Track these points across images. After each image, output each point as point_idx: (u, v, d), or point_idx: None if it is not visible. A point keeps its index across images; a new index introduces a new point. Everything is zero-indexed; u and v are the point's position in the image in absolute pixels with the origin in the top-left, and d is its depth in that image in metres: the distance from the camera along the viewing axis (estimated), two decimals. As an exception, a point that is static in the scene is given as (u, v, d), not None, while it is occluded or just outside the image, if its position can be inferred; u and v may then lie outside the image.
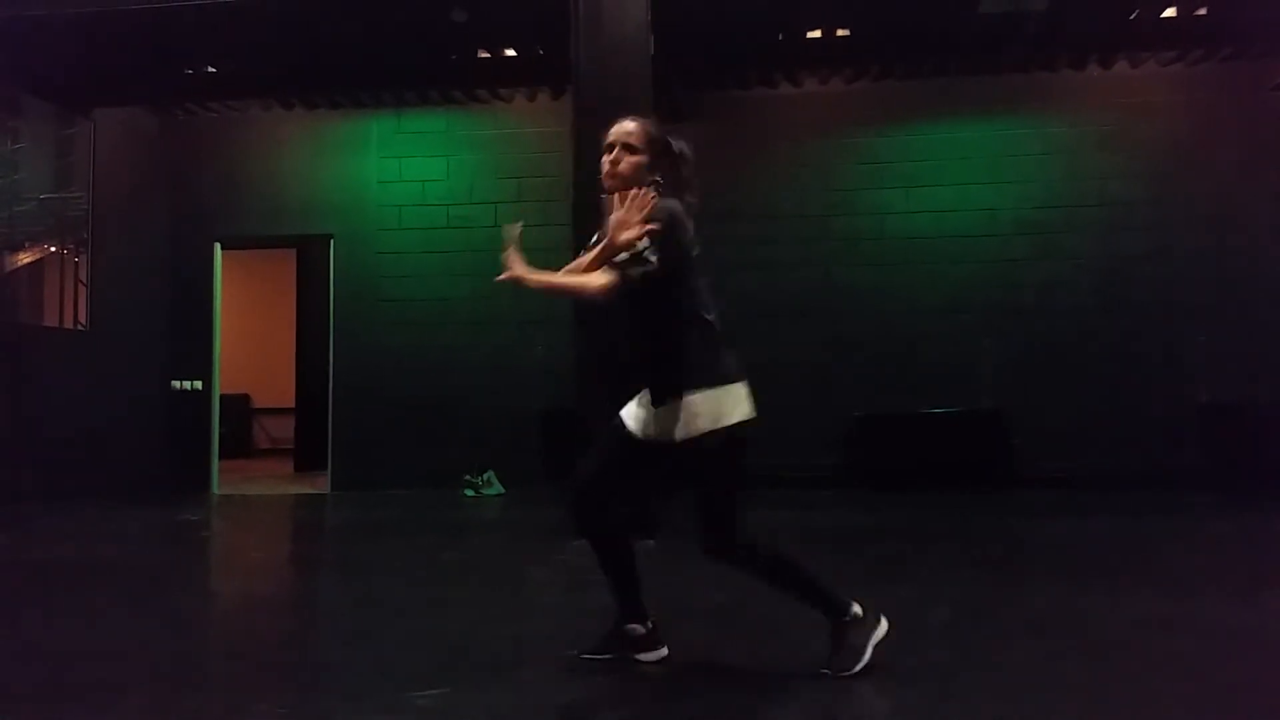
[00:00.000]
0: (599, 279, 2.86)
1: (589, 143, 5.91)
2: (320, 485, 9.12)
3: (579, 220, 5.96)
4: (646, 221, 2.82)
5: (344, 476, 8.93)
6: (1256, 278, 8.16)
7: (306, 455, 10.49)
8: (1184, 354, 8.16)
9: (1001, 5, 6.86)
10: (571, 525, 3.26)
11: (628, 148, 3.06)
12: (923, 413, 8.21)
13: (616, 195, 3.02)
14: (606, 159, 3.09)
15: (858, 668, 2.91)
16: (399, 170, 9.18)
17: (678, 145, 3.15)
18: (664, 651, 3.17)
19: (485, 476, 8.49)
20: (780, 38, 7.97)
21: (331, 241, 9.17)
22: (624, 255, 2.82)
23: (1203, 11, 7.50)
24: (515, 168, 9.01)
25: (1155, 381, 8.17)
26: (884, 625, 3.04)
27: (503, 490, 8.45)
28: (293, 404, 11.16)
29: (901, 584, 4.41)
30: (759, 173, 8.82)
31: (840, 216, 8.70)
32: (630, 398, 3.11)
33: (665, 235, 2.86)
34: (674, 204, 2.97)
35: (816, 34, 7.95)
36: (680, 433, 2.90)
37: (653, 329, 2.99)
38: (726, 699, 2.84)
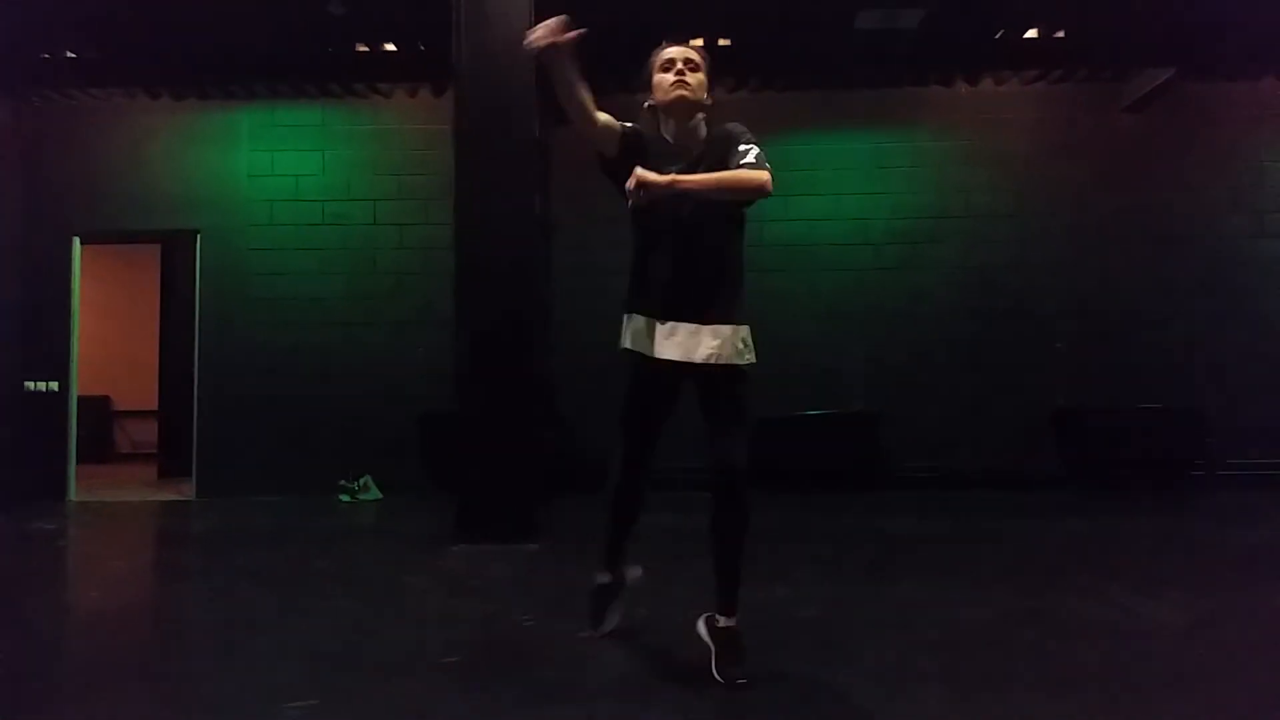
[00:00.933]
0: (760, 175, 2.97)
1: (471, 141, 5.90)
2: (185, 492, 8.75)
3: (461, 219, 5.89)
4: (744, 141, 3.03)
5: (210, 483, 8.58)
6: (1107, 288, 8.65)
7: (170, 460, 10.04)
8: (1041, 360, 8.59)
9: (876, 22, 7.10)
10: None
11: (692, 64, 3.18)
12: (798, 415, 8.41)
13: (667, 111, 3.20)
14: (671, 74, 3.17)
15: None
16: (271, 164, 8.88)
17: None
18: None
19: (361, 482, 8.29)
20: (662, 44, 8.03)
21: (198, 237, 8.80)
22: (756, 155, 3.00)
23: (1061, 34, 7.93)
24: (394, 165, 8.84)
25: (1015, 386, 8.57)
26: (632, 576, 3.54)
27: (380, 496, 8.27)
28: (156, 406, 10.69)
29: (775, 583, 4.51)
30: (642, 177, 8.87)
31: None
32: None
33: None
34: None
35: (699, 42, 8.04)
36: (727, 354, 3.07)
37: (723, 256, 3.16)
38: (606, 700, 2.84)
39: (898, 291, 8.72)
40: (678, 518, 6.87)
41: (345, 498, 8.18)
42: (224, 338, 8.69)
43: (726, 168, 3.01)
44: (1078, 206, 8.74)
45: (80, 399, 8.94)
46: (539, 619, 3.89)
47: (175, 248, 10.18)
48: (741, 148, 3.03)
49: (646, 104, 3.30)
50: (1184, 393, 8.28)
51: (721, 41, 8.03)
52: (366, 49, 8.10)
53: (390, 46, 8.05)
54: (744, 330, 3.12)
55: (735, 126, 3.14)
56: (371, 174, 8.85)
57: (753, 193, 3.01)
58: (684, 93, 3.14)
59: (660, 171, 3.00)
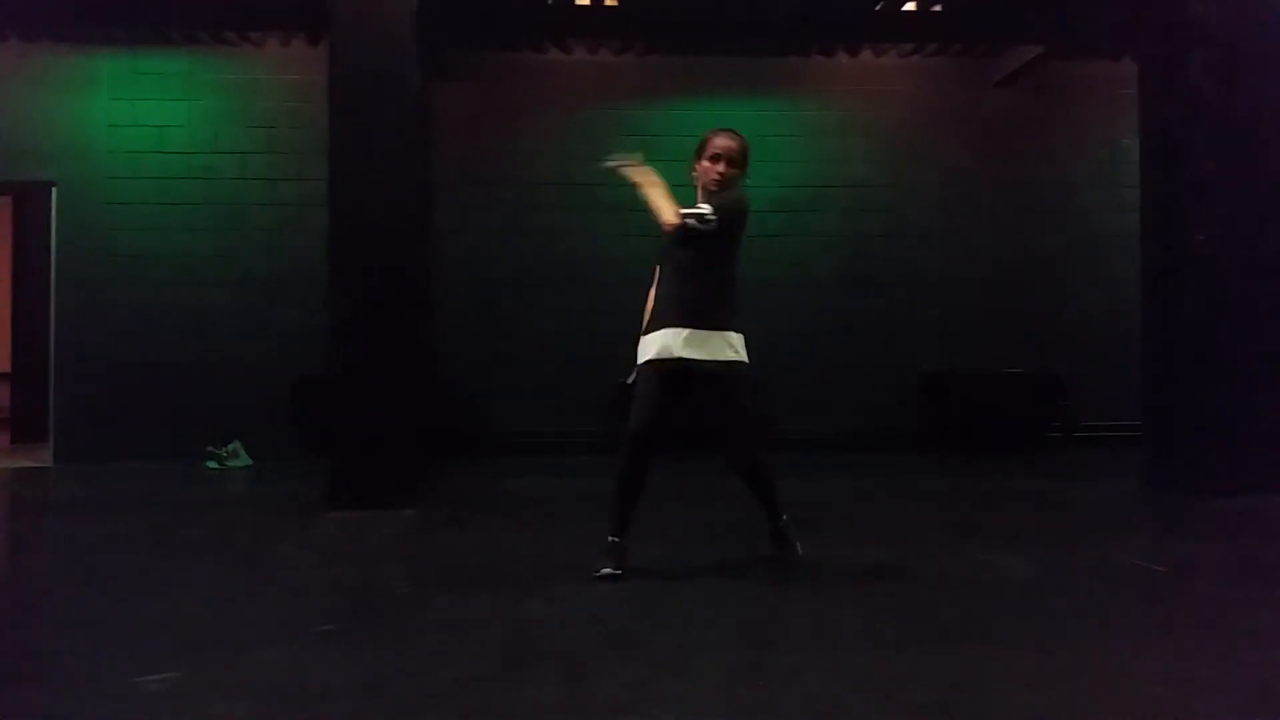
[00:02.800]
0: (671, 216, 3.83)
1: (347, 94, 5.70)
2: (41, 458, 8.29)
3: (335, 173, 5.69)
4: (725, 200, 3.91)
5: (69, 448, 8.16)
6: (975, 258, 8.99)
7: (25, 425, 9.53)
8: (912, 326, 8.89)
9: (760, -11, 7.14)
10: (631, 460, 3.87)
11: (732, 162, 4.02)
12: (681, 380, 8.48)
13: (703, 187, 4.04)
14: (714, 166, 4.01)
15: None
16: (133, 114, 8.40)
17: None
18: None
19: (230, 447, 8.00)
20: (550, 2, 7.92)
21: (54, 190, 8.27)
22: (693, 210, 3.83)
23: (938, 8, 8.13)
24: (266, 117, 8.48)
25: (888, 351, 8.85)
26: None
27: (250, 462, 8.00)
28: (8, 368, 10.09)
29: (653, 543, 4.56)
30: (529, 138, 8.77)
31: (608, 187, 8.71)
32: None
33: (733, 211, 3.93)
34: (746, 198, 4.07)
35: (585, 2, 7.97)
36: (726, 354, 3.89)
37: (715, 273, 3.98)
38: (486, 665, 2.83)
39: (780, 259, 8.86)
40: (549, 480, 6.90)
41: (213, 464, 7.89)
42: (82, 296, 8.23)
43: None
44: (950, 178, 9.03)
45: (-79, 360, 8.37)
46: (416, 586, 3.84)
47: (28, 200, 9.58)
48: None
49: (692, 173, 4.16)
50: (1043, 359, 8.70)
51: (608, 2, 7.96)
52: (237, -6, 7.71)
53: (262, -8, 7.68)
54: (734, 335, 4.03)
55: (740, 196, 4.04)
56: (241, 126, 8.47)
57: (657, 220, 3.92)
58: (715, 186, 4.03)
59: None
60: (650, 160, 9.21)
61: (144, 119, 8.40)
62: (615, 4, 8.01)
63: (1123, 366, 7.78)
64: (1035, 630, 3.15)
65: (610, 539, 3.84)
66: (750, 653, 2.95)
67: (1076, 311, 8.92)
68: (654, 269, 4.17)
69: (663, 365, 3.86)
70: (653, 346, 3.92)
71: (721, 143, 4.02)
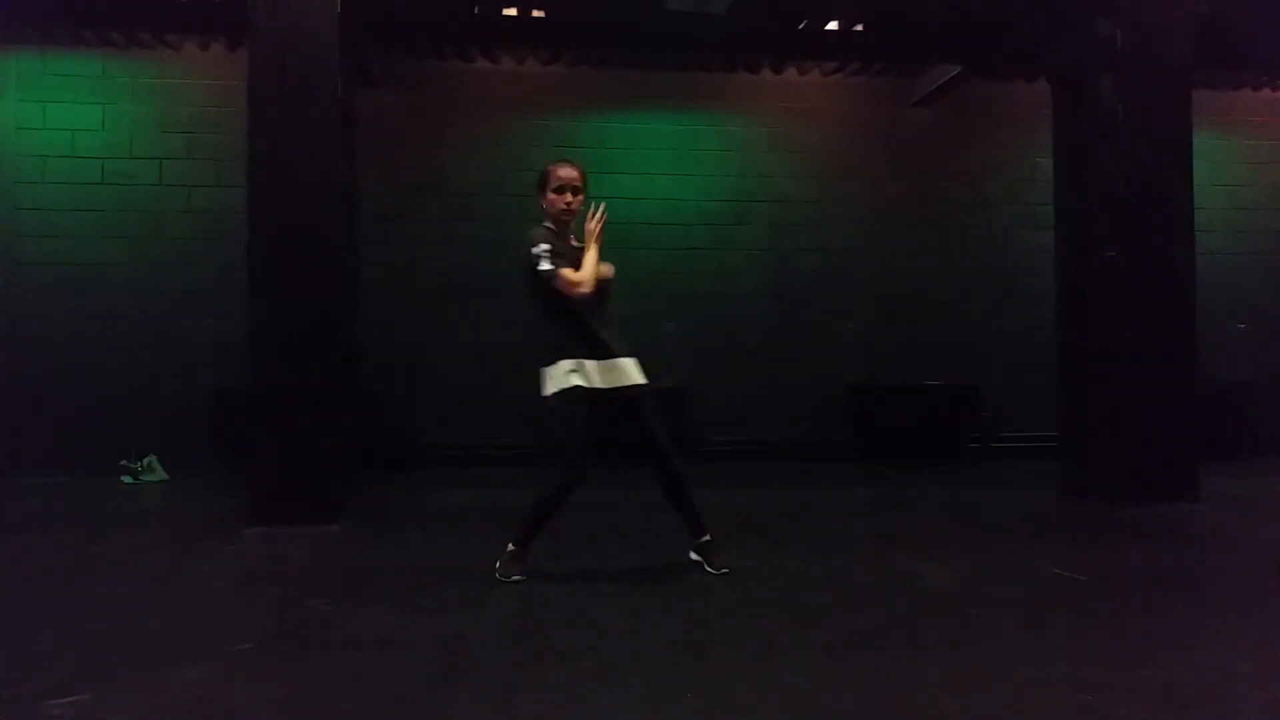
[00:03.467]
0: (588, 287, 4.10)
1: (267, 100, 5.58)
2: (-60, 473, 7.93)
3: (255, 180, 5.56)
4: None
5: (-29, 462, 7.82)
6: (896, 272, 9.18)
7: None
8: (836, 339, 9.04)
9: (686, 5, 7.20)
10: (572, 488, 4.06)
11: (577, 190, 4.22)
12: (608, 389, 8.48)
13: (566, 223, 4.26)
14: (563, 199, 4.18)
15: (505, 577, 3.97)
16: (43, 116, 8.13)
17: None
18: None
19: (146, 462, 7.75)
20: (476, 11, 7.88)
21: (-44, 193, 7.96)
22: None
23: (860, 28, 8.30)
24: (184, 122, 8.27)
25: (812, 364, 8.98)
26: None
27: (166, 477, 7.76)
28: (-96, 380, 9.61)
29: (584, 555, 4.56)
30: (455, 147, 8.70)
31: (535, 196, 8.74)
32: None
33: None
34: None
35: (512, 12, 7.95)
36: (641, 378, 4.28)
37: (611, 311, 4.31)
38: (411, 682, 2.79)
39: (706, 271, 8.94)
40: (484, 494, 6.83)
41: (128, 479, 7.63)
42: (-14, 305, 7.92)
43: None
44: (871, 194, 9.21)
45: None
46: (338, 602, 3.76)
47: (-74, 204, 9.15)
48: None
49: (544, 204, 4.27)
50: (963, 371, 8.92)
51: (536, 13, 7.96)
52: (153, -4, 7.51)
53: (180, -5, 7.50)
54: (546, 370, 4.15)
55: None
56: (158, 131, 8.26)
57: (575, 288, 4.15)
58: (570, 217, 4.25)
59: (571, 258, 4.15)
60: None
61: (54, 122, 8.13)
62: (542, 15, 8.00)
63: (1039, 378, 8.02)
64: (955, 637, 3.22)
65: (514, 548, 4.05)
66: (676, 664, 2.95)
67: (994, 325, 9.17)
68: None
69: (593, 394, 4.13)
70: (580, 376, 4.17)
71: (565, 174, 4.19)
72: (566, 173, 4.19)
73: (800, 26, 8.12)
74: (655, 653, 3.07)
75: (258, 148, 5.57)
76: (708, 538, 4.21)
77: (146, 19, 7.71)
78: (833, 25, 8.24)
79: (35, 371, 7.91)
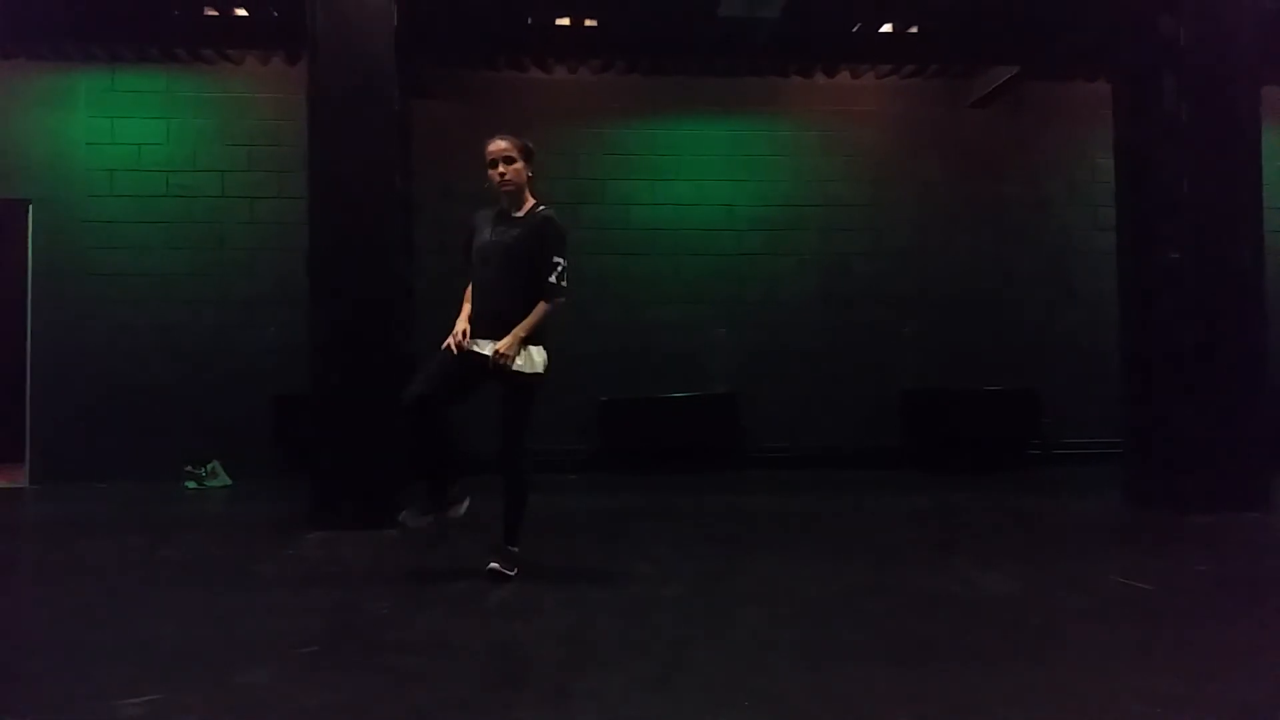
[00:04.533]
0: (548, 306, 4.12)
1: (326, 113, 5.70)
2: (16, 478, 8.18)
3: (315, 191, 5.67)
4: (552, 234, 4.13)
5: (45, 468, 8.05)
6: (953, 276, 9.06)
7: (0, 445, 9.36)
8: (891, 344, 8.94)
9: (738, 10, 7.18)
10: (414, 417, 4.09)
11: (509, 159, 4.13)
12: (663, 397, 8.51)
13: (506, 194, 4.18)
14: (495, 172, 4.12)
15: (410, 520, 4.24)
16: (111, 131, 8.36)
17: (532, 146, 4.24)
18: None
19: (209, 467, 7.93)
20: (529, 22, 7.95)
21: (30, 207, 8.21)
22: (558, 274, 4.09)
23: (914, 30, 8.22)
24: (245, 135, 8.45)
25: (867, 369, 8.89)
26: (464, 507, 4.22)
27: (229, 482, 7.93)
28: (-19, 388, 9.95)
29: (640, 561, 4.57)
30: (507, 156, 8.77)
31: (589, 205, 8.81)
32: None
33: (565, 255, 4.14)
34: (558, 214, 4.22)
35: (565, 22, 8.01)
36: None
37: (526, 297, 4.09)
38: (469, 685, 2.82)
39: (759, 277, 8.91)
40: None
41: (192, 484, 7.82)
42: (59, 314, 8.16)
43: (544, 256, 4.09)
44: (927, 197, 9.11)
45: (-107, 380, 8.24)
46: (397, 606, 3.82)
47: (5, 218, 9.47)
48: (553, 261, 4.08)
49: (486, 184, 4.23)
50: (1022, 376, 8.76)
51: (588, 22, 8.01)
52: (215, 12, 7.69)
53: (241, 11, 7.67)
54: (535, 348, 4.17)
55: (549, 225, 4.12)
56: (220, 144, 8.44)
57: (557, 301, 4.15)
58: (507, 188, 4.17)
59: (493, 230, 4.18)
60: (629, 179, 9.30)
61: (122, 136, 8.36)
62: (595, 24, 8.05)
63: (1101, 383, 7.87)
64: (1016, 647, 3.17)
65: (512, 549, 4.20)
66: (733, 672, 2.94)
67: (1054, 328, 9.00)
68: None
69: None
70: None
71: (494, 148, 4.15)
72: (495, 146, 4.15)
73: (854, 30, 8.06)
74: (712, 660, 3.07)
75: (317, 159, 5.69)
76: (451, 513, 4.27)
77: (209, 35, 7.91)
78: (887, 27, 8.17)
79: (102, 379, 8.12)
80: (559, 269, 4.08)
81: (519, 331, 4.04)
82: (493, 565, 4.13)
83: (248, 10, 7.63)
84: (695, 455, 8.41)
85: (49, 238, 8.21)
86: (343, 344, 5.58)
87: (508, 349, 4.02)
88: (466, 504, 4.26)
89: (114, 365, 8.15)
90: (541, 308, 4.08)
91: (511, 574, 4.11)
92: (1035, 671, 2.88)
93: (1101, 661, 3.01)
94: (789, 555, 4.26)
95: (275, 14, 7.50)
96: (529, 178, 4.22)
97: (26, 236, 8.26)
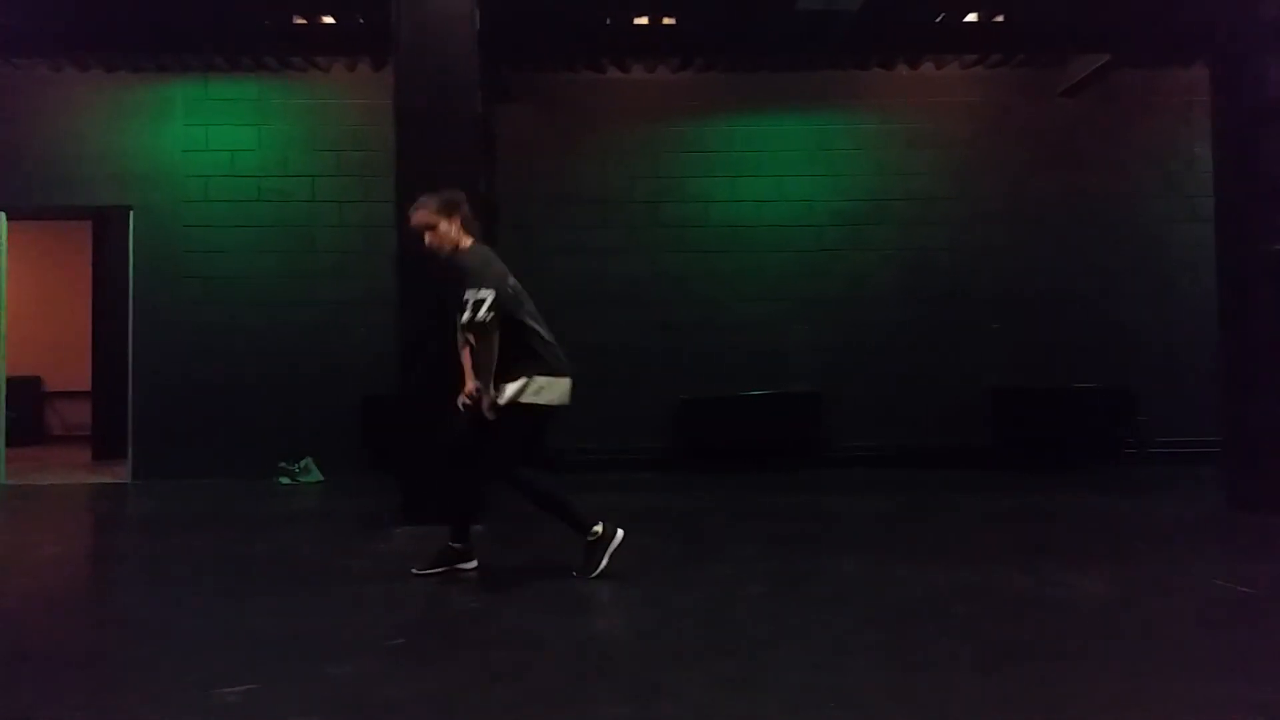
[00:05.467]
0: (468, 336, 4.09)
1: (412, 117, 5.81)
2: (120, 474, 8.55)
3: (402, 195, 5.79)
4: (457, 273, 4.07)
5: (146, 465, 8.40)
6: (1042, 270, 8.83)
7: (105, 442, 9.79)
8: (978, 340, 8.75)
9: (817, 3, 7.10)
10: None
11: (430, 226, 4.20)
12: (743, 395, 8.48)
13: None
14: (425, 243, 4.23)
15: (596, 572, 4.06)
16: (206, 139, 8.66)
17: (457, 196, 4.32)
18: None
19: (302, 464, 8.17)
20: (607, 22, 7.99)
21: (131, 213, 8.56)
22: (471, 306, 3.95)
23: (1000, 19, 8.02)
24: (334, 140, 8.67)
25: (952, 366, 8.71)
26: (619, 535, 4.15)
27: (321, 478, 8.16)
28: (89, 387, 10.41)
29: (722, 561, 4.56)
30: (588, 157, 8.84)
31: (668, 203, 8.83)
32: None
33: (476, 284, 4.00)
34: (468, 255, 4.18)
35: (643, 21, 8.03)
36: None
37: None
38: (557, 679, 2.85)
39: (840, 273, 8.80)
40: (632, 497, 6.90)
41: (285, 480, 8.06)
42: (159, 317, 8.49)
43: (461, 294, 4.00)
44: (1014, 189, 8.89)
45: (10, 380, 8.67)
46: (485, 600, 3.88)
47: (107, 224, 9.91)
48: (462, 299, 3.97)
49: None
50: (1116, 372, 8.50)
51: (666, 20, 8.00)
52: (304, 21, 7.92)
53: (328, 19, 7.88)
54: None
55: (453, 266, 4.14)
56: (310, 150, 8.68)
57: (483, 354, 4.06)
58: (441, 254, 4.23)
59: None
60: (708, 176, 9.28)
61: (216, 144, 8.65)
62: (673, 22, 8.05)
63: (1199, 380, 7.60)
64: (1110, 652, 3.08)
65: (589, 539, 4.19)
66: (818, 674, 2.92)
67: (1150, 324, 8.69)
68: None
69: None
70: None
71: (412, 222, 4.28)
72: (413, 221, 4.28)
73: (938, 19, 7.91)
74: (796, 662, 3.05)
75: (403, 163, 5.80)
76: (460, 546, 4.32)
77: (298, 42, 8.14)
78: (972, 16, 7.99)
79: (199, 379, 8.42)
80: (468, 304, 3.96)
81: (470, 384, 4.13)
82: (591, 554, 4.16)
83: (335, 18, 7.83)
84: (776, 454, 8.36)
85: (149, 243, 8.54)
86: (429, 346, 5.68)
87: (470, 395, 4.10)
88: (475, 564, 4.35)
89: (210, 366, 8.44)
90: (467, 344, 4.13)
91: (600, 566, 4.12)
92: (1131, 677, 2.80)
93: (1202, 667, 2.91)
94: (872, 556, 4.20)
95: (361, 21, 7.69)
96: (460, 228, 4.25)
97: (128, 242, 8.62)
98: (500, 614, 3.65)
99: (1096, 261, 8.82)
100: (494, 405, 4.01)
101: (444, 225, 4.20)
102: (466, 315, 3.93)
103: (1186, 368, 8.23)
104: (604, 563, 4.10)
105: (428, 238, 4.20)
